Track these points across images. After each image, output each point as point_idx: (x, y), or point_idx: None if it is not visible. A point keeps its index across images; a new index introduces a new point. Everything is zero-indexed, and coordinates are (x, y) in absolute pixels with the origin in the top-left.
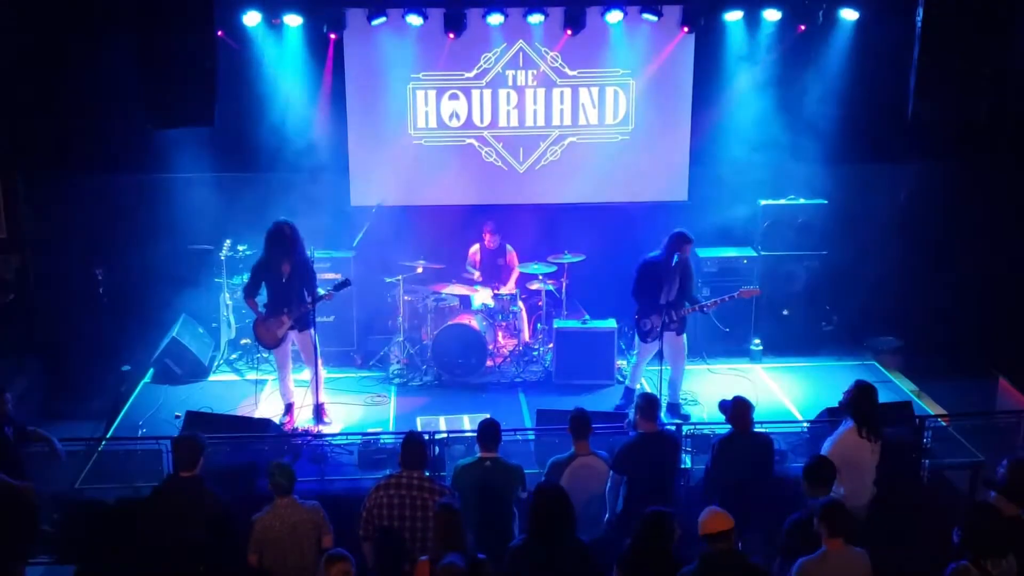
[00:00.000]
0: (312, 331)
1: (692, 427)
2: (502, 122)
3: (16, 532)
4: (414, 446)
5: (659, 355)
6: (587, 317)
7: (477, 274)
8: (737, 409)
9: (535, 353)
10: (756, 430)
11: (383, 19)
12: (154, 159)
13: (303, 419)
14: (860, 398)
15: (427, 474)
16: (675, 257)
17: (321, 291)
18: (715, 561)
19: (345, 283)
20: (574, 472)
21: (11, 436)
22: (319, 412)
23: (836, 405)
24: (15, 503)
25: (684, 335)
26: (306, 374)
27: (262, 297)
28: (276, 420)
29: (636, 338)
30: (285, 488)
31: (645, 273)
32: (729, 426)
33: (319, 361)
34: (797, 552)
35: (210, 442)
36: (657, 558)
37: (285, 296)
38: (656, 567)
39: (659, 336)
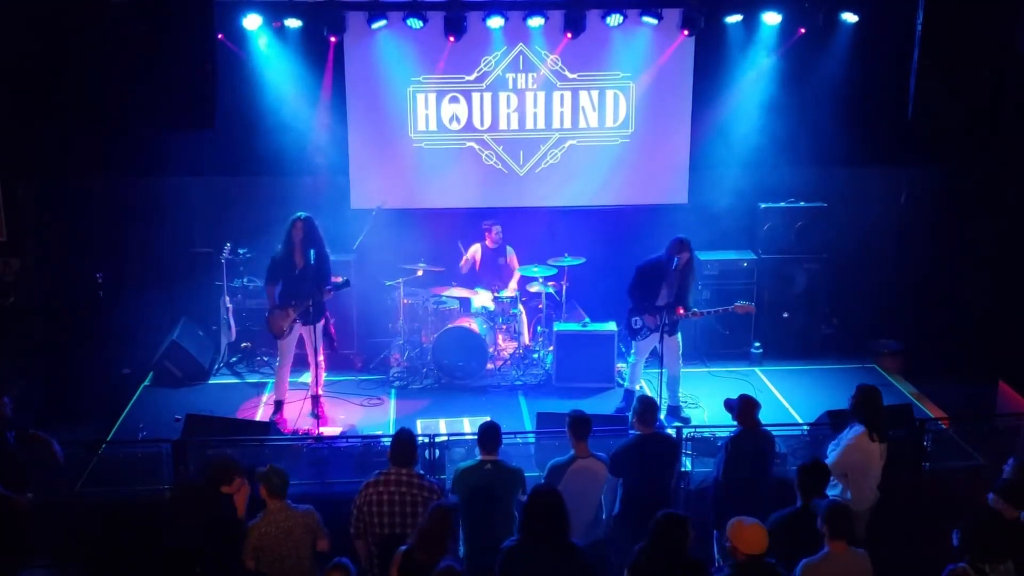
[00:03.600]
0: (319, 326)
1: (692, 430)
2: (502, 125)
3: (8, 541)
4: (404, 443)
5: (660, 357)
6: (587, 320)
7: (464, 261)
8: (743, 407)
9: (535, 356)
10: (761, 428)
11: (383, 22)
12: (155, 162)
13: (301, 414)
14: (866, 401)
15: (416, 471)
16: (675, 261)
17: None
18: (748, 572)
19: (345, 283)
20: (574, 475)
21: (11, 440)
22: (315, 403)
23: (836, 408)
24: (7, 512)
25: (678, 335)
26: (305, 377)
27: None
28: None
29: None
30: (278, 487)
31: (644, 273)
32: (731, 427)
33: (320, 355)
34: (785, 551)
35: (209, 446)
36: (674, 562)
37: (295, 290)
38: (674, 571)
39: (647, 335)
